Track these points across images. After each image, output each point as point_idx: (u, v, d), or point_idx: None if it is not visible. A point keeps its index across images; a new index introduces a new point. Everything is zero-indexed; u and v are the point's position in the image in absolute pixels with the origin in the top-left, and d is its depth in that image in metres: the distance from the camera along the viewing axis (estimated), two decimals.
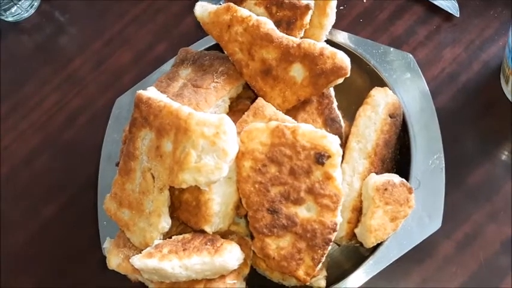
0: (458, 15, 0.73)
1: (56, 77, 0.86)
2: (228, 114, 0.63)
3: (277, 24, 0.60)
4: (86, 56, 0.87)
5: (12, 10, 0.89)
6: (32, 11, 0.91)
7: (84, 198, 0.73)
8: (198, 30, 0.65)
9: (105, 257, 0.58)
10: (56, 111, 0.83)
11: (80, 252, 0.70)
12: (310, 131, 0.52)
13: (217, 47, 0.64)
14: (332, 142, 0.52)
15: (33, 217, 0.75)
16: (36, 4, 0.91)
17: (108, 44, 0.87)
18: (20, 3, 0.89)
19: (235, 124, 0.58)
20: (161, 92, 0.61)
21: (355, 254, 0.59)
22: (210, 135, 0.50)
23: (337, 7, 0.76)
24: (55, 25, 0.91)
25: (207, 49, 0.69)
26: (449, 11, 0.73)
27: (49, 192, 0.76)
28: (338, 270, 0.58)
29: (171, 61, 0.69)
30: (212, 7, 0.62)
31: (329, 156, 0.51)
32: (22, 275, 0.72)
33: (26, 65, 0.88)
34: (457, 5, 0.73)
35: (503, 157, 0.66)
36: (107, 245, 0.59)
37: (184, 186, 0.51)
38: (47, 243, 0.73)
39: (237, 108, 0.64)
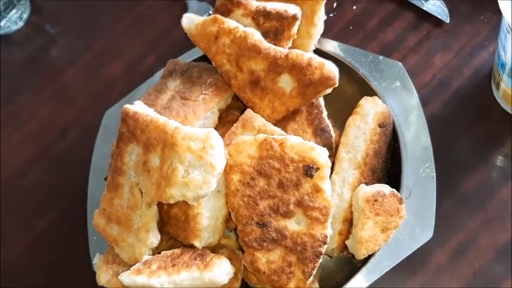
0: (448, 21, 0.72)
1: (47, 89, 0.86)
2: (217, 125, 0.63)
3: (265, 35, 0.60)
4: (77, 68, 0.86)
5: (1, 23, 0.89)
6: (22, 23, 0.91)
7: (75, 212, 0.72)
8: (188, 41, 0.64)
9: (95, 273, 0.57)
10: (48, 123, 0.83)
11: (70, 267, 0.70)
12: (298, 143, 0.52)
13: (206, 58, 0.64)
14: (320, 154, 0.51)
15: (24, 231, 0.74)
16: (25, 16, 0.91)
17: (99, 56, 0.86)
18: (9, 16, 0.89)
19: (224, 136, 0.58)
20: (149, 104, 0.61)
21: (348, 265, 0.58)
22: (197, 149, 0.50)
23: (327, 14, 0.76)
24: (45, 37, 0.90)
25: (197, 60, 0.69)
26: (439, 17, 0.72)
27: (41, 206, 0.75)
28: (330, 282, 0.58)
29: (160, 73, 0.69)
30: (199, 19, 0.61)
31: (318, 168, 0.51)
32: None
33: (16, 77, 0.88)
34: (447, 11, 0.72)
35: (496, 163, 0.65)
36: (96, 261, 0.59)
37: (172, 201, 0.51)
38: (38, 258, 0.72)
39: (226, 120, 0.64)
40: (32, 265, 0.72)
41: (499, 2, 0.54)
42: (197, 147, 0.50)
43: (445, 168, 0.61)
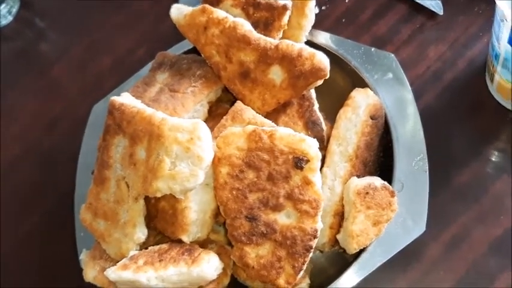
0: (441, 13, 0.71)
1: (36, 83, 0.85)
2: (207, 118, 0.61)
3: (255, 25, 0.59)
4: (66, 62, 0.85)
5: None
6: (11, 17, 0.89)
7: (63, 208, 0.70)
8: (178, 33, 0.63)
9: (82, 270, 0.56)
10: (36, 118, 0.82)
11: (59, 264, 0.68)
12: (288, 135, 0.51)
13: (196, 51, 0.62)
14: (311, 145, 0.50)
15: (12, 227, 0.73)
16: (14, 11, 0.90)
17: (88, 49, 0.85)
18: None
19: (214, 129, 0.56)
20: (137, 97, 0.60)
21: (340, 259, 0.57)
22: (184, 141, 0.49)
23: (319, 7, 0.75)
24: (34, 31, 0.89)
25: (186, 52, 0.67)
26: (433, 9, 0.71)
27: (29, 202, 0.74)
28: (322, 277, 0.57)
29: (149, 65, 0.68)
30: (188, 9, 0.60)
31: (308, 160, 0.50)
32: None
33: (5, 72, 0.87)
34: (440, 3, 0.71)
35: (490, 156, 0.64)
36: (83, 256, 0.57)
37: (158, 194, 0.50)
38: (26, 254, 0.71)
39: (216, 113, 0.62)
40: (20, 261, 0.71)
41: None
42: (184, 138, 0.49)
43: (439, 161, 0.60)
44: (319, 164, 0.50)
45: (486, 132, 0.65)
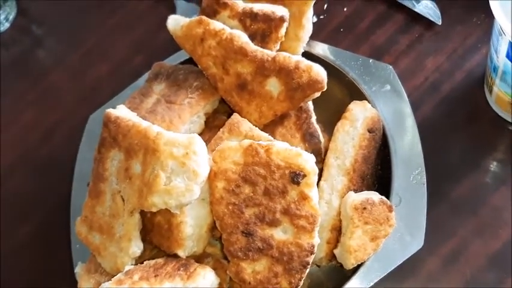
0: (440, 23, 0.71)
1: (32, 91, 0.84)
2: (204, 130, 0.61)
3: (252, 37, 0.58)
4: (62, 69, 0.84)
5: None
6: (8, 24, 0.89)
7: (58, 219, 0.70)
8: (175, 43, 0.63)
9: (77, 282, 0.56)
10: (32, 126, 0.81)
11: (53, 276, 0.68)
12: (284, 149, 0.50)
13: (193, 61, 0.62)
14: (307, 160, 0.50)
15: (5, 238, 0.72)
16: (11, 17, 0.89)
17: (85, 57, 0.84)
18: None
19: (210, 141, 0.56)
20: (134, 108, 0.59)
21: (337, 273, 0.57)
22: (180, 155, 0.48)
23: (317, 17, 0.75)
24: (31, 38, 0.88)
25: (183, 63, 0.67)
26: (431, 18, 0.71)
27: (22, 212, 0.73)
28: None
29: (145, 76, 0.67)
30: (185, 20, 0.60)
31: (304, 175, 0.49)
32: None
33: (1, 79, 0.86)
34: (439, 12, 0.71)
35: (488, 168, 0.64)
36: (78, 269, 0.57)
37: (154, 209, 0.49)
38: (19, 264, 0.70)
39: (213, 124, 0.62)
40: (13, 273, 0.70)
41: (490, 3, 0.52)
42: (180, 153, 0.48)
43: (436, 173, 0.60)
44: (315, 179, 0.50)
45: (484, 144, 0.65)
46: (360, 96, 0.61)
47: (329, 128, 0.61)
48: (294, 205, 0.49)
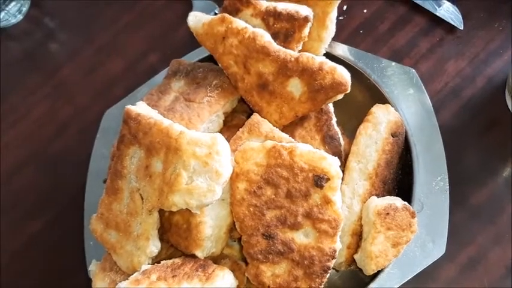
0: (462, 28, 0.70)
1: (44, 85, 0.83)
2: (222, 129, 0.60)
3: (275, 36, 0.58)
4: (76, 64, 0.83)
5: (0, 16, 0.86)
6: (21, 16, 0.88)
7: (71, 215, 0.69)
8: (193, 40, 0.62)
9: (90, 280, 0.55)
10: (44, 121, 0.80)
11: (64, 273, 0.67)
12: (308, 152, 0.49)
13: (211, 58, 0.61)
14: (332, 164, 0.49)
15: (17, 234, 0.72)
16: (24, 10, 0.88)
17: (99, 52, 0.83)
18: (7, 8, 0.86)
19: (229, 140, 0.55)
20: (152, 105, 0.59)
21: (355, 279, 0.56)
22: (202, 155, 0.47)
23: (337, 17, 0.74)
24: (44, 31, 0.88)
25: (201, 60, 0.66)
26: (453, 23, 0.70)
27: (35, 207, 0.73)
28: None
29: (163, 72, 0.66)
30: (206, 18, 0.59)
31: (328, 179, 0.49)
32: None
33: (13, 72, 0.85)
34: (460, 16, 0.70)
35: (508, 176, 0.63)
36: (92, 267, 0.56)
37: (174, 209, 0.48)
38: (30, 262, 0.69)
39: (231, 124, 0.61)
40: (24, 270, 0.69)
41: None
42: (202, 153, 0.47)
43: (456, 179, 0.59)
44: (339, 183, 0.49)
45: (504, 150, 0.64)
46: (382, 99, 0.60)
47: (348, 130, 0.60)
48: (317, 209, 0.48)
